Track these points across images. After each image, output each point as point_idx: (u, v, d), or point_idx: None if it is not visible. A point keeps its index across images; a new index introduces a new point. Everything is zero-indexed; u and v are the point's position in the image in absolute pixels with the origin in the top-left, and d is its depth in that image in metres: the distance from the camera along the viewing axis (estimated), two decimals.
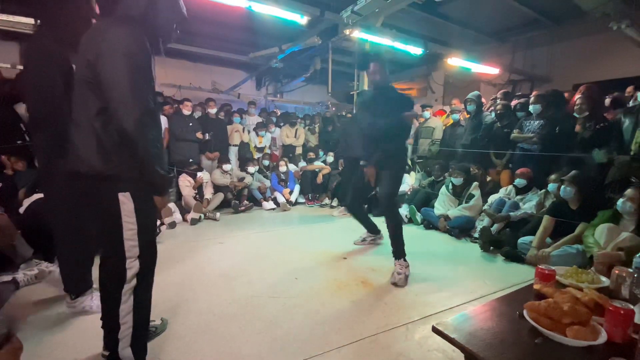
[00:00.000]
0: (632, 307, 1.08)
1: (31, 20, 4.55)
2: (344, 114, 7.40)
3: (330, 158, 5.85)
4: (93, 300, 1.92)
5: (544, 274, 1.40)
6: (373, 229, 3.37)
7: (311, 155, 5.90)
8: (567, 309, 1.10)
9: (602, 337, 1.05)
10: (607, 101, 3.90)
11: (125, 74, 1.17)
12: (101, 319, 1.41)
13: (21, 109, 3.55)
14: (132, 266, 1.33)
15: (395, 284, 2.47)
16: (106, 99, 1.19)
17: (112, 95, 1.17)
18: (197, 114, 5.39)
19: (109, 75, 1.17)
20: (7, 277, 2.11)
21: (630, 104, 3.40)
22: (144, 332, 1.44)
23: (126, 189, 1.28)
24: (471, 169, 4.17)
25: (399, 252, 2.63)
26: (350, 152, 4.66)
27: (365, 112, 2.92)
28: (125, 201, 1.28)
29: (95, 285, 1.95)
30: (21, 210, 2.82)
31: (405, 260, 2.61)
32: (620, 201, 2.49)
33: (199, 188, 4.60)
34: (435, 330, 1.15)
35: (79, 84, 1.28)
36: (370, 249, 3.28)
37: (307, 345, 1.70)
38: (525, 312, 1.16)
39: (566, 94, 4.24)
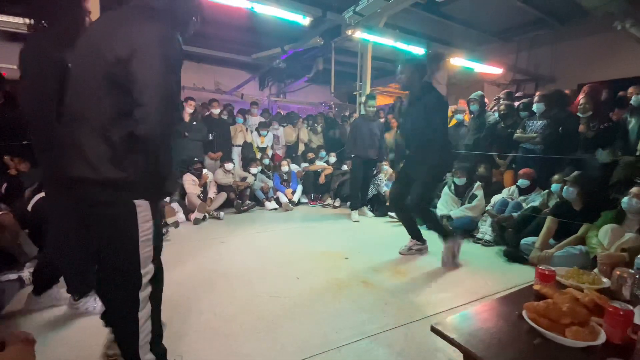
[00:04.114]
0: (631, 308, 1.08)
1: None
2: (347, 114, 7.39)
3: (332, 159, 5.84)
4: (97, 301, 1.93)
5: (544, 274, 1.39)
6: (418, 236, 3.18)
7: (311, 155, 5.89)
8: (566, 310, 1.10)
9: (601, 338, 1.04)
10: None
11: (162, 77, 1.05)
12: (113, 332, 1.34)
13: None
14: (148, 271, 1.23)
15: (400, 253, 3.12)
16: (135, 101, 1.06)
17: (144, 99, 1.05)
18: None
19: (145, 77, 1.05)
20: (13, 276, 2.13)
21: (633, 103, 3.35)
22: (160, 331, 1.38)
23: (141, 195, 1.18)
24: (481, 168, 4.17)
25: (413, 233, 3.17)
26: (359, 152, 4.52)
27: (406, 117, 3.17)
28: (142, 204, 1.19)
29: None
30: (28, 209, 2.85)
31: (417, 240, 3.15)
32: (625, 199, 2.46)
33: (203, 187, 4.64)
34: (433, 330, 1.15)
35: (94, 81, 1.10)
36: (373, 249, 3.27)
37: (307, 345, 1.70)
38: (524, 313, 1.16)
39: (567, 91, 4.21)
